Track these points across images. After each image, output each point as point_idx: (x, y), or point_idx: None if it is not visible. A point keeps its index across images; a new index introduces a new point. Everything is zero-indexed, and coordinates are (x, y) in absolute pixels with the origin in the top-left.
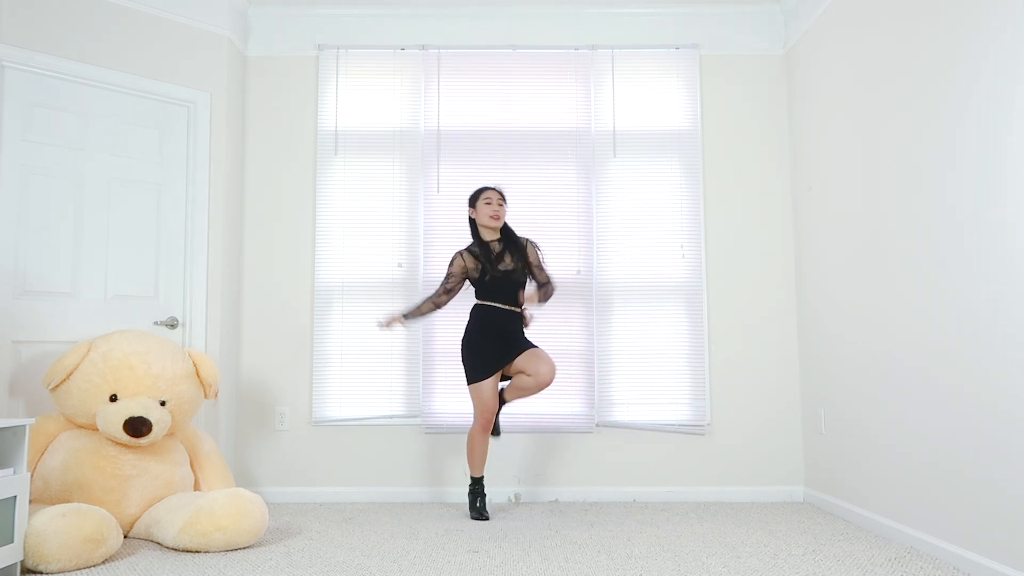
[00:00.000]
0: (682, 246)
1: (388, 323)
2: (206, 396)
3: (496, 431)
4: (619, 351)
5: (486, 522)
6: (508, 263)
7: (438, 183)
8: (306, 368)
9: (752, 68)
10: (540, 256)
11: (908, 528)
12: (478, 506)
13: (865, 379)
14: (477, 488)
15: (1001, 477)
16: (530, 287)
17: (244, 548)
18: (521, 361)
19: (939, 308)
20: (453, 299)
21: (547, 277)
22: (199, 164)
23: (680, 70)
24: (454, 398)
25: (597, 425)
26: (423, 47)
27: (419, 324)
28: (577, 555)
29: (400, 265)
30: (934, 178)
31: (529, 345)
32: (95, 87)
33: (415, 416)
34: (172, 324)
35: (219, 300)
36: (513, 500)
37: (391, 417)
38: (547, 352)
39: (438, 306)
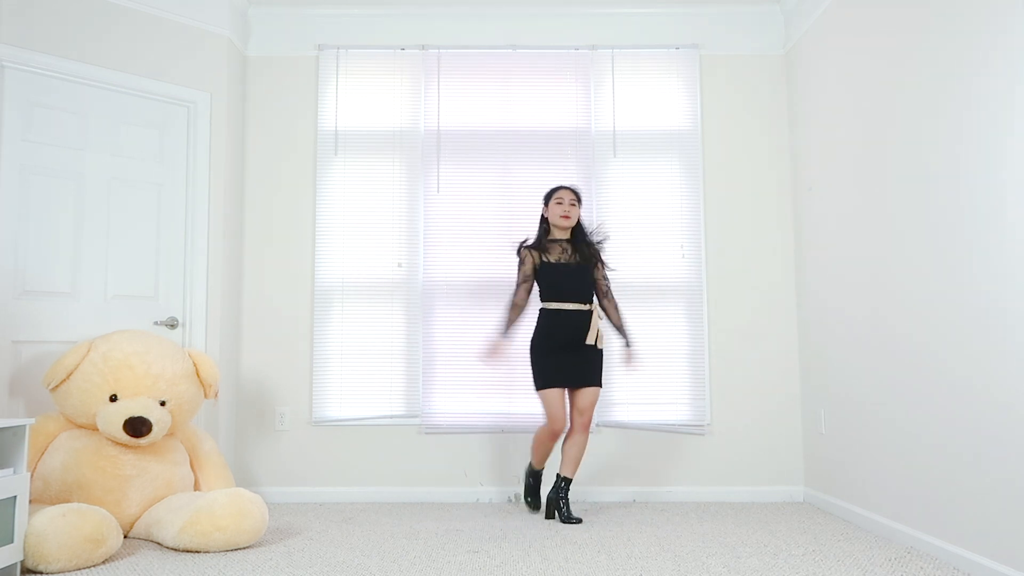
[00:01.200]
0: (682, 246)
1: (493, 353)
2: (206, 396)
3: (536, 504)
4: (619, 351)
5: (487, 523)
6: (571, 257)
7: (438, 183)
8: (306, 368)
9: (752, 68)
10: (603, 255)
11: (908, 528)
12: (538, 493)
13: (865, 379)
14: (537, 480)
15: (1001, 477)
16: (597, 314)
17: (244, 548)
18: (576, 396)
19: (939, 309)
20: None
21: (607, 285)
22: (199, 164)
23: (680, 70)
24: (454, 398)
25: (597, 425)
26: (423, 47)
27: (428, 332)
28: (577, 555)
29: (400, 265)
30: (935, 178)
31: (595, 381)
32: (95, 87)
33: (415, 416)
34: (172, 324)
35: (219, 300)
36: (513, 500)
37: (391, 417)
38: (599, 391)
39: (521, 306)
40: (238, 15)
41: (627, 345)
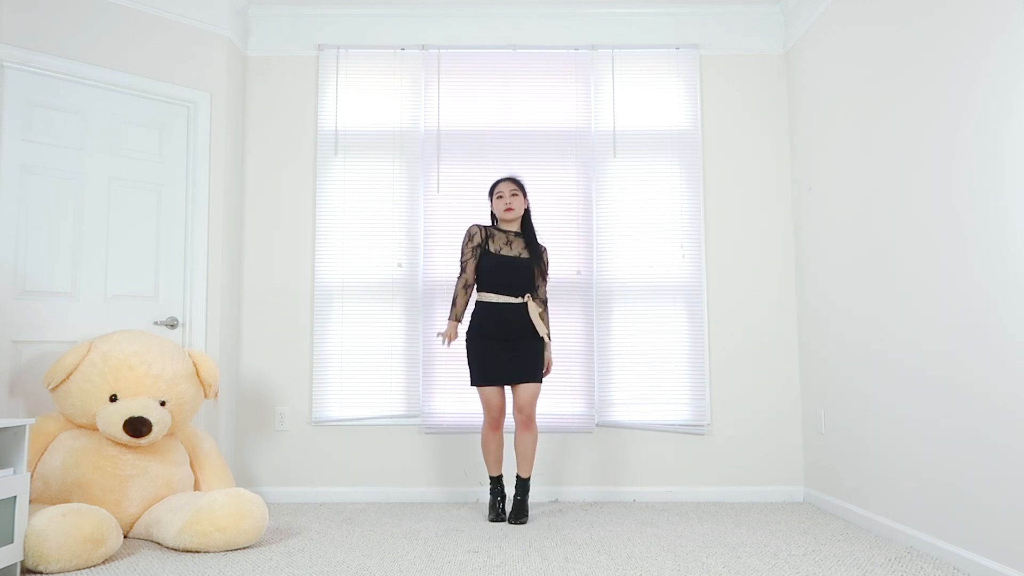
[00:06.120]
0: (682, 246)
1: (448, 338)
2: (206, 396)
3: (519, 516)
4: (619, 351)
5: (487, 523)
6: (517, 250)
7: (438, 183)
8: (306, 368)
9: (752, 68)
10: (547, 262)
11: (908, 528)
12: (497, 507)
13: (865, 379)
14: (495, 488)
15: (1001, 477)
16: (534, 306)
17: (244, 548)
18: (515, 393)
19: (939, 308)
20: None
21: (545, 293)
22: (199, 164)
23: (680, 70)
24: (454, 398)
25: (597, 425)
26: (423, 47)
27: (422, 325)
28: (577, 555)
29: (400, 265)
30: (935, 177)
31: (532, 377)
32: (95, 87)
33: (415, 416)
34: (172, 324)
35: (219, 300)
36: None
37: (391, 417)
38: (538, 386)
39: (468, 285)
40: (238, 15)
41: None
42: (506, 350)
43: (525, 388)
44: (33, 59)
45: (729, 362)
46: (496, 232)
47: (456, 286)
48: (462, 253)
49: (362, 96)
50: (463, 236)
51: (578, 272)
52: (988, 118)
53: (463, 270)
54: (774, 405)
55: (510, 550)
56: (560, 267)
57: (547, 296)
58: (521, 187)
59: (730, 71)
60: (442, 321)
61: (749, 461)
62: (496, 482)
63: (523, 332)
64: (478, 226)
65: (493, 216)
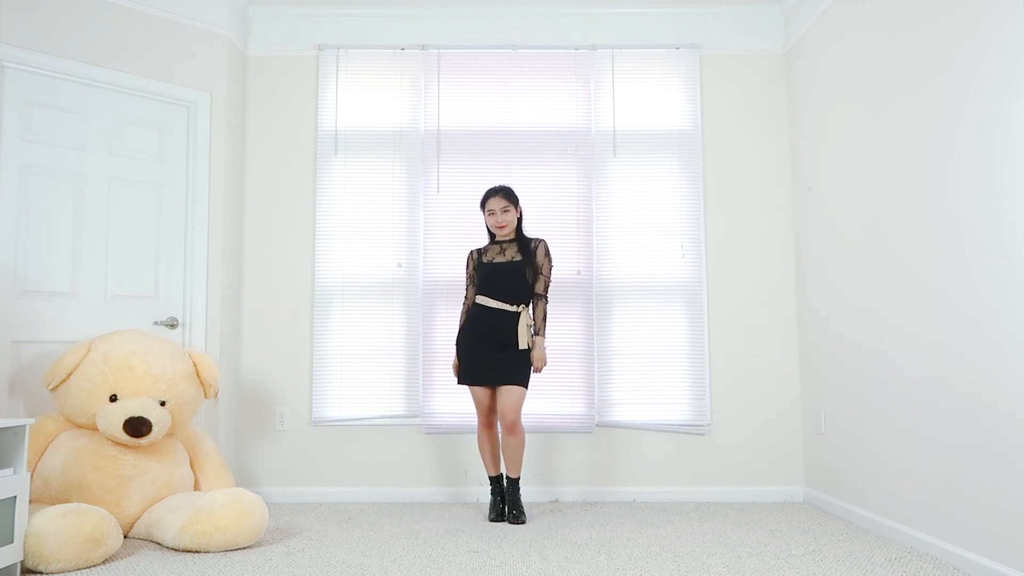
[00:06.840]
0: (682, 246)
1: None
2: (206, 396)
3: (517, 516)
4: (619, 351)
5: (487, 523)
6: (510, 256)
7: (438, 183)
8: (306, 368)
9: (752, 68)
10: (545, 254)
11: (908, 528)
12: (497, 507)
13: (865, 379)
14: (495, 488)
15: (1001, 477)
16: (527, 317)
17: (244, 548)
18: (498, 397)
19: (939, 308)
20: None
21: (544, 285)
22: (199, 164)
23: (680, 70)
24: (454, 398)
25: (597, 425)
26: (423, 47)
27: (421, 326)
28: (577, 555)
29: (400, 265)
30: (935, 177)
31: (515, 380)
32: (95, 87)
33: (415, 416)
34: (172, 324)
35: (219, 300)
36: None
37: (391, 417)
38: (521, 391)
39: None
40: (238, 15)
41: (534, 335)
42: (492, 352)
43: (507, 392)
44: (33, 59)
45: (729, 362)
46: (491, 246)
47: (462, 311)
48: (467, 277)
49: (362, 96)
50: (466, 263)
51: (578, 272)
52: (988, 118)
53: (466, 295)
54: (774, 405)
55: (510, 550)
56: (560, 267)
57: (546, 292)
58: (511, 199)
59: (730, 71)
60: (441, 323)
61: (749, 461)
62: (495, 482)
63: (512, 339)
64: (471, 253)
65: (489, 229)
